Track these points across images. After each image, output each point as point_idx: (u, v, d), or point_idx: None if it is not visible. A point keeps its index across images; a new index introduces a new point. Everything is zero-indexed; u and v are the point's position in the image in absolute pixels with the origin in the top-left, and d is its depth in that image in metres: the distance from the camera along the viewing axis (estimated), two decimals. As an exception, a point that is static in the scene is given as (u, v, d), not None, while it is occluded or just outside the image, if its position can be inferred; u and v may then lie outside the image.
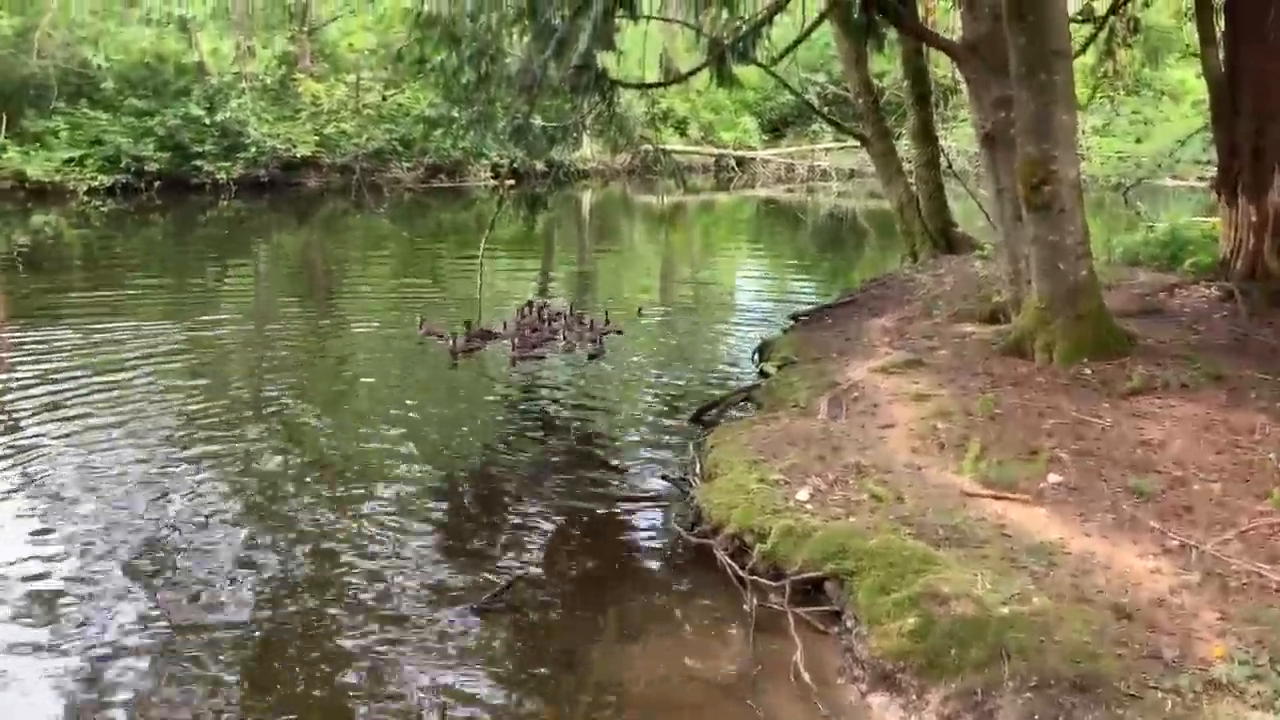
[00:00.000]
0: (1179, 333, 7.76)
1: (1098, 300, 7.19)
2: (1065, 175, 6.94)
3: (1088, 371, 6.73)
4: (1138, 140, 29.29)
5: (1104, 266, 9.18)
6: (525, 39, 9.81)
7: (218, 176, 26.90)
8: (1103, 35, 11.65)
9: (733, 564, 4.88)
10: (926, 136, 13.25)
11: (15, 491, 6.38)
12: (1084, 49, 11.47)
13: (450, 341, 9.58)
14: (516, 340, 9.78)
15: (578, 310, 11.11)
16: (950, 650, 3.77)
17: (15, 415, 7.84)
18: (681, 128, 35.90)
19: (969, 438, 5.74)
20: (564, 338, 9.91)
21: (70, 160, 25.31)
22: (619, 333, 10.62)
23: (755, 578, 4.71)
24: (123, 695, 4.14)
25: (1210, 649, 3.58)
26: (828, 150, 33.53)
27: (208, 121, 26.62)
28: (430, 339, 10.10)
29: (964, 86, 10.69)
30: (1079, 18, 10.85)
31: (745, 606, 4.66)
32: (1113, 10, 11.34)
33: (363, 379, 9.35)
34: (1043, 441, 5.63)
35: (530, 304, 11.09)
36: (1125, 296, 9.19)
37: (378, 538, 5.68)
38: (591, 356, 9.71)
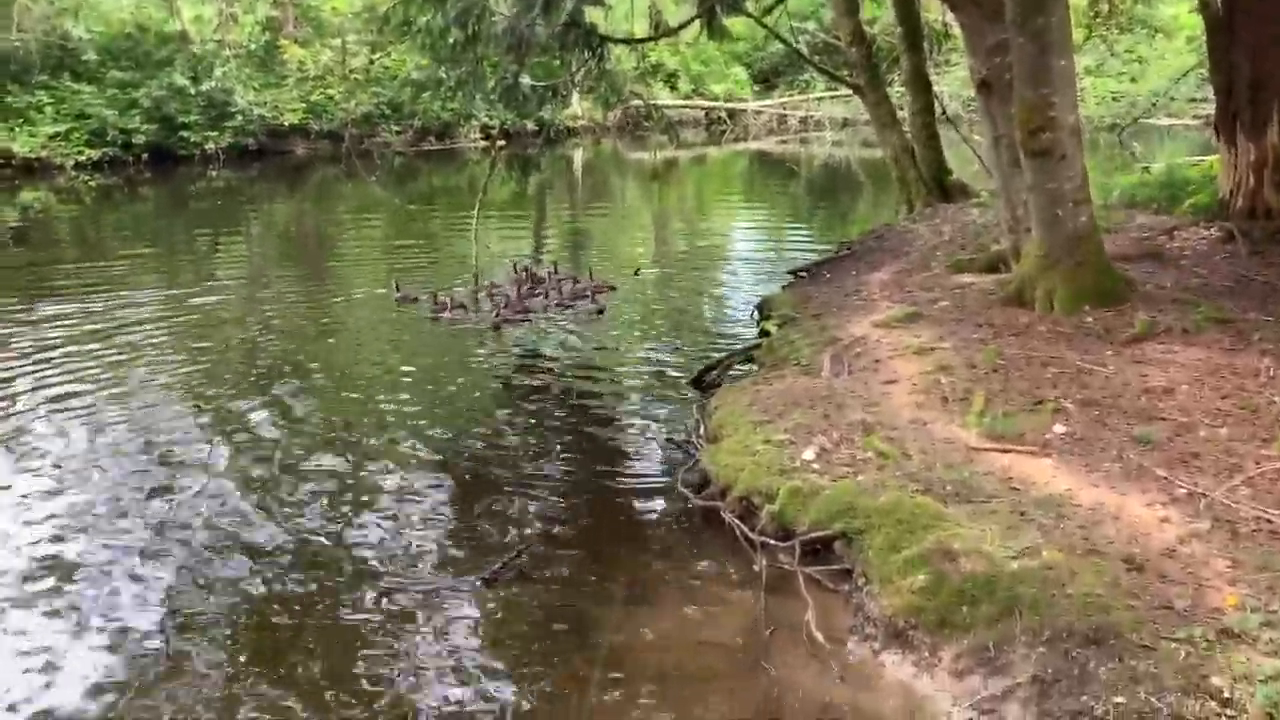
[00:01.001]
0: (1180, 276, 7.72)
1: (1098, 247, 7.15)
2: (1064, 120, 6.85)
3: (1089, 319, 6.70)
4: (1132, 80, 29.03)
5: (1102, 210, 9.12)
6: (512, -3, 9.67)
7: (205, 147, 26.68)
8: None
9: (741, 525, 4.88)
10: (920, 83, 13.11)
11: (14, 465, 6.39)
12: (1079, -11, 11.30)
13: (433, 302, 9.72)
14: (502, 305, 9.85)
15: (565, 271, 11.17)
16: (961, 607, 3.77)
17: (9, 388, 7.84)
18: (671, 81, 35.59)
19: (973, 391, 5.72)
20: (549, 298, 9.99)
21: (56, 135, 25.05)
22: (612, 289, 10.67)
23: (764, 539, 4.71)
24: (131, 668, 4.15)
25: (1222, 598, 3.58)
26: (820, 100, 33.24)
27: (193, 91, 26.33)
28: (406, 303, 10.22)
29: (957, 31, 10.55)
30: (1073, -42, 10.67)
31: (755, 568, 4.67)
32: (1107, -51, 11.16)
33: (360, 347, 9.30)
34: (1047, 392, 5.61)
35: (516, 267, 11.14)
36: (1124, 240, 9.14)
37: (383, 508, 5.68)
38: (599, 312, 9.80)
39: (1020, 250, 7.73)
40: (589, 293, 10.51)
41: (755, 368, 7.47)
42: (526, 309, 10.01)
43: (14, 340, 9.30)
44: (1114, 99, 27.39)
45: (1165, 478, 4.54)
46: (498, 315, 9.81)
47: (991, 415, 5.38)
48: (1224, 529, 4.07)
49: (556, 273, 11.15)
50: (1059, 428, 5.18)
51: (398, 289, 10.69)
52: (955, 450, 5.04)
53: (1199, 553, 3.90)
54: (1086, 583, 3.69)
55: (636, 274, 11.93)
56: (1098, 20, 16.58)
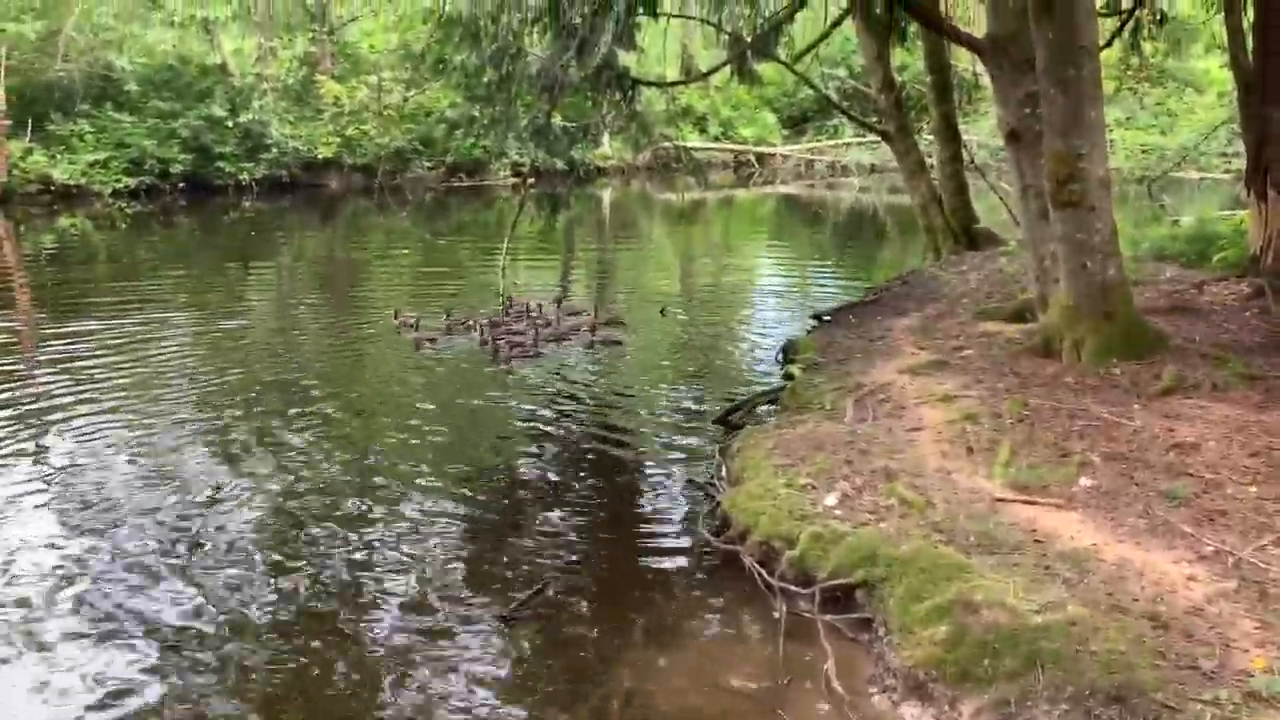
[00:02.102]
0: (1209, 331, 7.67)
1: (1127, 299, 7.11)
2: (1093, 172, 6.86)
3: (1117, 371, 6.65)
4: (1162, 132, 28.99)
5: (1131, 262, 9.08)
6: (546, 39, 9.83)
7: (240, 178, 27.12)
8: (1128, 28, 11.51)
9: (761, 571, 4.85)
10: (949, 132, 13.16)
11: (41, 480, 6.50)
12: (1109, 42, 11.35)
13: (418, 331, 10.45)
14: (503, 338, 9.98)
15: (569, 306, 11.29)
16: (983, 660, 3.72)
17: (41, 405, 7.97)
18: (701, 124, 35.85)
19: (998, 440, 5.68)
20: (539, 332, 10.12)
21: (95, 163, 25.54)
22: (621, 324, 10.75)
23: (784, 585, 4.68)
24: (146, 692, 4.17)
25: (1249, 659, 3.52)
26: (848, 145, 33.40)
27: (230, 123, 26.82)
28: (404, 330, 10.39)
29: (987, 81, 10.60)
30: (1104, 11, 10.73)
31: (774, 614, 4.63)
32: (1139, 3, 11.22)
33: (380, 376, 9.36)
34: (1073, 444, 5.57)
35: (511, 300, 11.26)
36: (1154, 293, 9.10)
37: (404, 541, 5.69)
38: (616, 343, 9.90)
39: (1048, 300, 7.70)
40: (587, 328, 10.61)
41: (779, 410, 7.46)
42: (526, 343, 10.11)
43: (43, 353, 9.49)
44: (1144, 151, 27.35)
45: (1192, 535, 4.49)
46: (509, 348, 9.92)
47: (1017, 466, 5.34)
48: (1252, 589, 4.01)
49: (559, 308, 11.29)
50: (1085, 481, 5.13)
51: (396, 316, 10.89)
52: (980, 500, 5.00)
53: (1226, 613, 3.85)
54: (1111, 640, 3.65)
55: (663, 313, 11.97)
56: (1129, 73, 16.62)
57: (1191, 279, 9.62)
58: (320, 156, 27.97)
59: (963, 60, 19.29)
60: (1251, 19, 9.42)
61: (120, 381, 8.92)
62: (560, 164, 15.81)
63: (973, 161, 15.32)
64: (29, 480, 6.60)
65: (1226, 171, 25.93)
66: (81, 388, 8.68)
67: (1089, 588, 4.06)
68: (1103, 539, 4.53)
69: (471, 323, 10.81)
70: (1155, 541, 4.48)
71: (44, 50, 26.06)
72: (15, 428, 7.63)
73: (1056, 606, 3.89)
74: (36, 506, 6.15)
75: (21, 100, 25.46)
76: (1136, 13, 11.33)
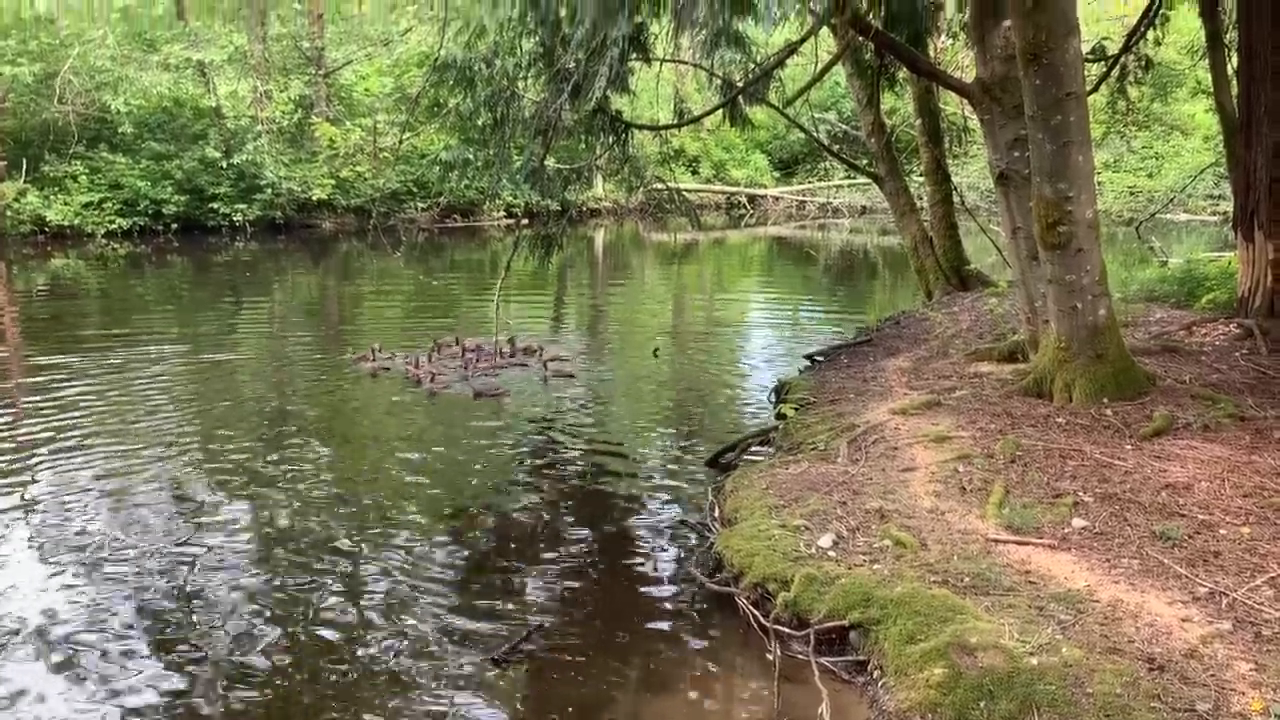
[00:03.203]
0: (1199, 371, 7.71)
1: (1117, 340, 7.16)
2: (1081, 215, 6.93)
3: (1109, 412, 6.68)
4: (1149, 175, 29.36)
5: (1120, 303, 9.15)
6: (541, 82, 9.94)
7: (234, 219, 27.21)
8: (1115, 73, 11.68)
9: (755, 612, 4.83)
10: (939, 174, 13.29)
11: (30, 521, 6.43)
12: (1096, 87, 11.51)
13: (370, 360, 11.08)
14: (418, 367, 10.82)
15: (521, 345, 11.53)
16: (979, 702, 3.70)
17: (31, 444, 7.93)
18: (693, 166, 36.18)
19: (991, 481, 5.69)
20: (472, 366, 10.95)
21: (89, 204, 25.62)
22: (566, 359, 10.97)
23: (779, 627, 4.65)
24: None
25: (1246, 701, 3.51)
26: (839, 187, 33.70)
27: (224, 165, 26.95)
28: (362, 364, 11.09)
29: (976, 125, 10.72)
30: (1091, 57, 10.89)
31: (769, 656, 4.61)
32: (1125, 49, 11.39)
33: (373, 415, 9.34)
34: (1066, 484, 5.58)
35: (457, 340, 11.55)
36: (1143, 334, 9.16)
37: (392, 583, 5.65)
38: (568, 375, 10.72)
39: (1039, 341, 7.75)
40: (538, 364, 11.17)
41: (772, 451, 7.46)
42: (433, 373, 10.68)
43: (30, 386, 9.47)
44: (1131, 194, 27.67)
45: (1186, 576, 4.49)
46: (410, 375, 10.56)
47: (1010, 507, 5.35)
48: (1247, 630, 4.01)
49: (513, 344, 11.80)
50: (1078, 521, 5.14)
51: (355, 353, 11.41)
52: (973, 541, 5.00)
53: (1221, 655, 3.84)
54: (1106, 682, 3.63)
55: (655, 354, 12.00)
56: (1116, 117, 16.82)
57: (1181, 320, 9.69)
58: (314, 198, 28.09)
59: (952, 104, 19.51)
60: (1235, 64, 9.57)
61: (106, 416, 8.95)
62: (554, 205, 15.92)
63: (963, 203, 15.46)
64: (11, 514, 6.56)
65: (1214, 214, 26.24)
66: (66, 422, 8.70)
67: (1084, 629, 4.05)
68: (1097, 580, 4.53)
69: (409, 359, 11.33)
70: (1149, 582, 4.48)
71: (40, 93, 26.23)
72: None
73: (1052, 648, 3.88)
74: (18, 541, 6.10)
75: (17, 142, 25.62)
76: (1123, 59, 11.50)
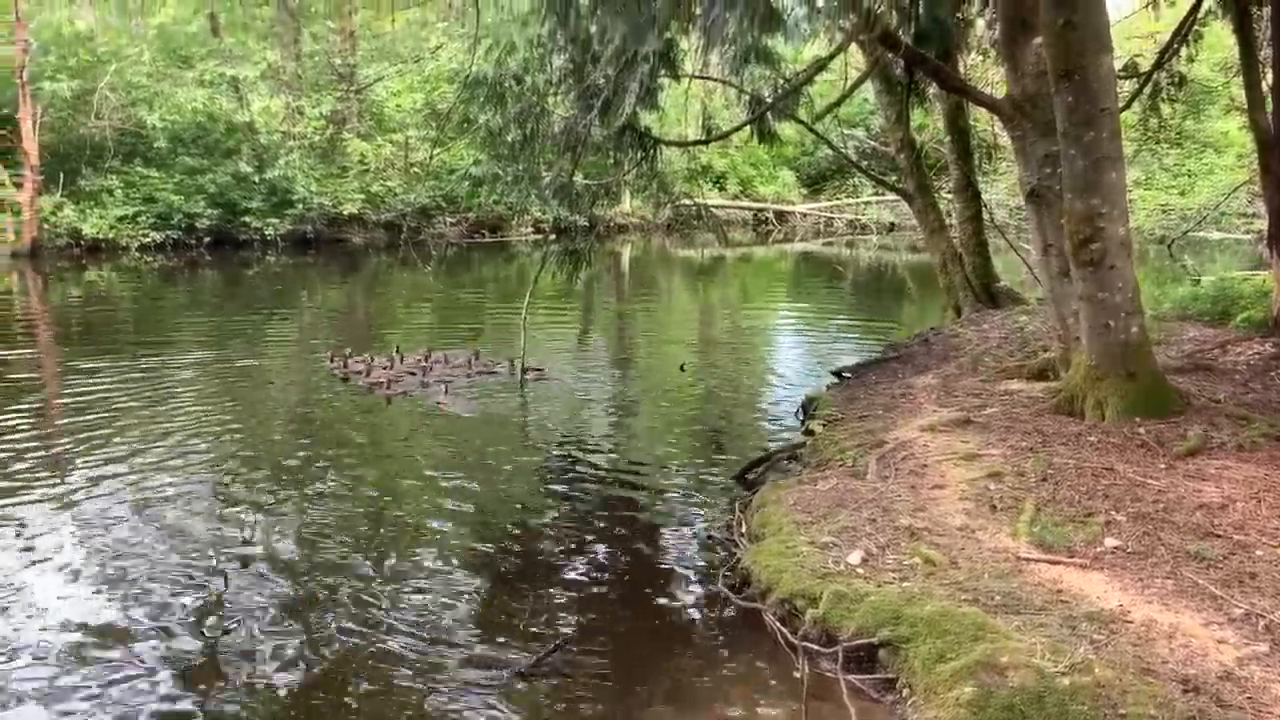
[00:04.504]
0: (1233, 390, 7.62)
1: (1150, 358, 7.09)
2: (1114, 232, 6.88)
3: (1141, 431, 6.61)
4: (1181, 193, 29.11)
5: (1153, 321, 9.07)
6: (570, 99, 10.00)
7: (265, 233, 27.53)
8: (1147, 90, 11.61)
9: (783, 629, 4.81)
10: (969, 191, 13.25)
11: (61, 529, 6.53)
12: (1129, 104, 11.44)
13: (340, 365, 11.56)
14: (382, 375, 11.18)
15: (487, 359, 12.03)
16: (1010, 722, 3.66)
17: (61, 447, 8.11)
18: (720, 182, 36.23)
19: (1022, 499, 5.64)
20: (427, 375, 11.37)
21: (124, 217, 26.01)
22: (540, 370, 11.51)
23: (806, 643, 4.63)
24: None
25: (1283, 725, 3.45)
26: (867, 204, 33.63)
27: (256, 179, 27.29)
28: (336, 368, 11.52)
29: (1006, 141, 10.68)
30: (1123, 74, 10.84)
31: (796, 673, 4.58)
32: (1158, 65, 11.32)
33: (400, 428, 9.40)
34: (1098, 504, 5.52)
35: (429, 352, 12.22)
36: (1176, 353, 9.08)
37: (418, 598, 5.66)
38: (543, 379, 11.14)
39: (1070, 359, 7.69)
40: (498, 371, 11.61)
41: (799, 467, 7.43)
42: (373, 382, 11.01)
43: (64, 394, 9.85)
44: (1163, 211, 27.43)
45: (1221, 597, 4.43)
46: (389, 386, 10.83)
47: (1041, 525, 5.30)
48: (1284, 653, 3.94)
49: (477, 358, 12.05)
50: (1110, 541, 5.08)
51: (331, 359, 11.87)
52: (1004, 560, 4.95)
53: (1258, 677, 3.78)
54: (1140, 703, 3.58)
55: (682, 369, 12.00)
56: (1148, 135, 16.70)
57: (1214, 339, 9.59)
58: (345, 212, 28.38)
59: (982, 121, 19.45)
60: (1269, 81, 9.50)
61: (135, 421, 9.18)
62: (581, 220, 16.01)
63: (992, 220, 15.39)
64: (44, 523, 6.67)
65: (1247, 232, 25.95)
66: (96, 426, 8.94)
67: (1117, 649, 4.00)
68: (1130, 600, 4.47)
69: (365, 362, 11.79)
70: (1184, 603, 4.42)
71: (78, 108, 26.70)
72: (31, 467, 7.75)
73: (1084, 668, 3.83)
74: (48, 550, 6.18)
75: (54, 156, 26.04)
76: (1155, 75, 11.43)
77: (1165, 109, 12.48)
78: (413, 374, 11.36)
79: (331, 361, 11.82)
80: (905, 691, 4.15)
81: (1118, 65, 8.31)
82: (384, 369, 11.45)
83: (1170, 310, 11.54)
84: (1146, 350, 7.08)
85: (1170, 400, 6.99)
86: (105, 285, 21.30)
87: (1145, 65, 11.74)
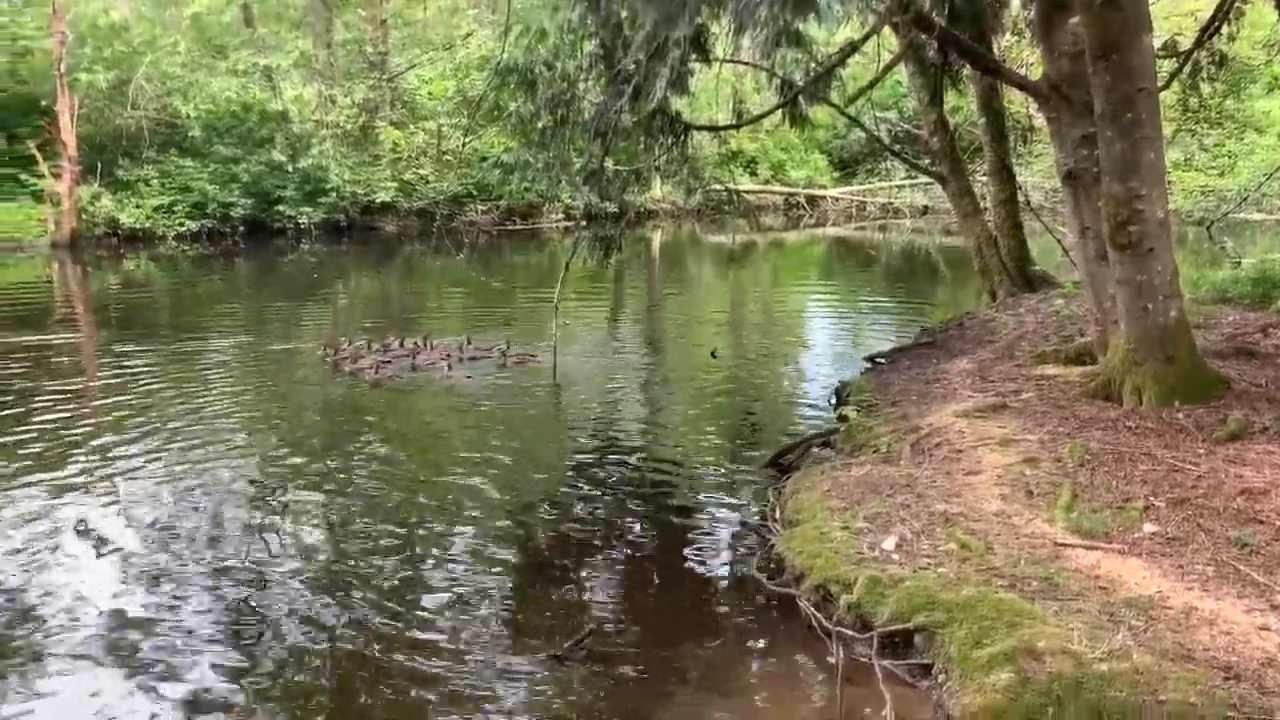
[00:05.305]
0: (1275, 375, 7.50)
1: (1189, 342, 6.99)
2: (1152, 214, 6.78)
3: (1180, 416, 6.52)
4: (1221, 174, 28.61)
5: (1191, 304, 8.93)
6: (601, 84, 9.97)
7: (299, 221, 27.72)
8: (1187, 69, 11.40)
9: (817, 614, 4.80)
10: (1004, 173, 13.07)
11: (99, 512, 6.67)
12: (1168, 84, 11.24)
13: (331, 354, 11.64)
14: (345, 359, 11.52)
15: (480, 343, 12.15)
16: (1047, 708, 3.64)
17: (100, 435, 8.28)
18: (751, 167, 36.02)
19: (1059, 485, 5.59)
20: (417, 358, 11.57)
21: (160, 207, 26.30)
22: (533, 357, 11.55)
23: (841, 629, 4.62)
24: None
25: (1327, 713, 3.41)
26: (900, 187, 33.33)
27: (290, 168, 27.47)
28: (328, 355, 11.65)
29: (1041, 122, 10.55)
30: (1162, 53, 10.65)
31: (830, 658, 4.58)
32: (1198, 44, 11.11)
33: (432, 413, 9.47)
34: (1136, 489, 5.46)
35: (428, 337, 12.49)
36: (1216, 336, 8.93)
37: (453, 580, 5.71)
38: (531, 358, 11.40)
39: (1108, 343, 7.60)
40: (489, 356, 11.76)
41: (833, 453, 7.40)
42: (357, 369, 11.17)
43: (102, 378, 10.23)
44: (1202, 193, 26.98)
45: (1264, 583, 4.37)
46: (377, 371, 10.99)
47: (1078, 511, 5.25)
48: (1328, 640, 3.89)
49: (469, 343, 12.19)
50: (1149, 526, 5.03)
51: (324, 347, 12.00)
52: (1040, 545, 4.92)
53: (1301, 664, 3.73)
54: (1180, 690, 3.55)
55: (713, 355, 11.98)
56: (1187, 115, 16.41)
57: (1255, 322, 9.43)
58: (378, 200, 28.52)
59: (1016, 103, 19.21)
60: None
61: (171, 406, 9.46)
62: (612, 207, 16.01)
63: (1028, 203, 15.20)
64: (84, 500, 6.83)
65: (1289, 213, 25.48)
66: (133, 409, 9.27)
67: (1156, 636, 3.97)
68: (1169, 586, 4.43)
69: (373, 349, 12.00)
70: (1224, 589, 4.37)
71: (114, 99, 26.98)
72: (70, 445, 8.01)
73: (1122, 655, 3.80)
74: (87, 526, 6.31)
75: (92, 147, 26.36)
76: (1195, 54, 11.22)
77: (1205, 88, 12.25)
78: (387, 362, 11.42)
79: (324, 351, 11.92)
80: (941, 676, 4.14)
81: (1156, 44, 8.17)
82: (377, 356, 11.61)
83: (1209, 293, 11.35)
84: (1186, 334, 6.98)
85: (1210, 384, 6.88)
86: (143, 274, 21.59)
87: (1185, 44, 11.53)
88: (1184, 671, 3.67)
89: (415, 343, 12.33)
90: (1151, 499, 5.32)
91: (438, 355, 11.75)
